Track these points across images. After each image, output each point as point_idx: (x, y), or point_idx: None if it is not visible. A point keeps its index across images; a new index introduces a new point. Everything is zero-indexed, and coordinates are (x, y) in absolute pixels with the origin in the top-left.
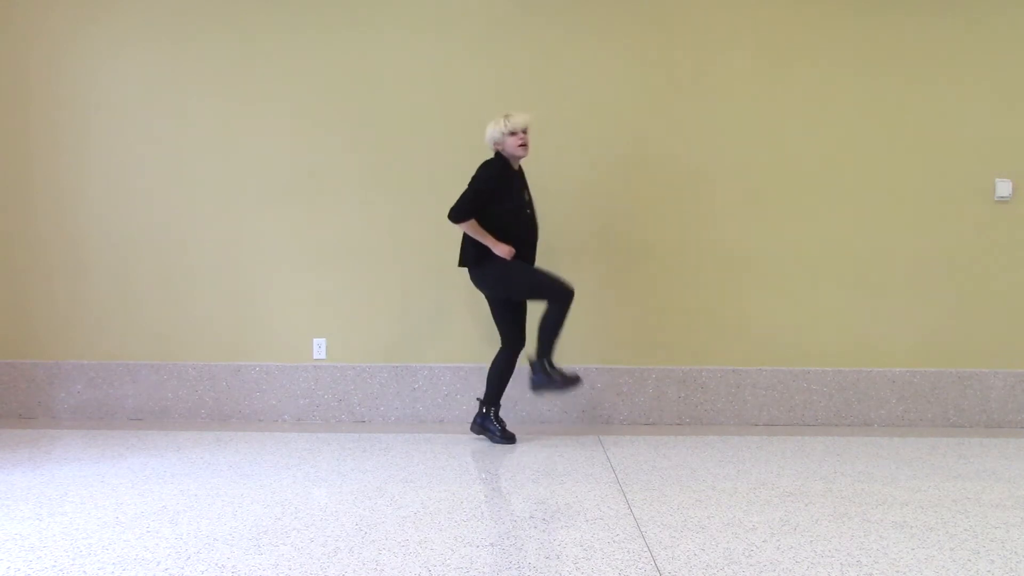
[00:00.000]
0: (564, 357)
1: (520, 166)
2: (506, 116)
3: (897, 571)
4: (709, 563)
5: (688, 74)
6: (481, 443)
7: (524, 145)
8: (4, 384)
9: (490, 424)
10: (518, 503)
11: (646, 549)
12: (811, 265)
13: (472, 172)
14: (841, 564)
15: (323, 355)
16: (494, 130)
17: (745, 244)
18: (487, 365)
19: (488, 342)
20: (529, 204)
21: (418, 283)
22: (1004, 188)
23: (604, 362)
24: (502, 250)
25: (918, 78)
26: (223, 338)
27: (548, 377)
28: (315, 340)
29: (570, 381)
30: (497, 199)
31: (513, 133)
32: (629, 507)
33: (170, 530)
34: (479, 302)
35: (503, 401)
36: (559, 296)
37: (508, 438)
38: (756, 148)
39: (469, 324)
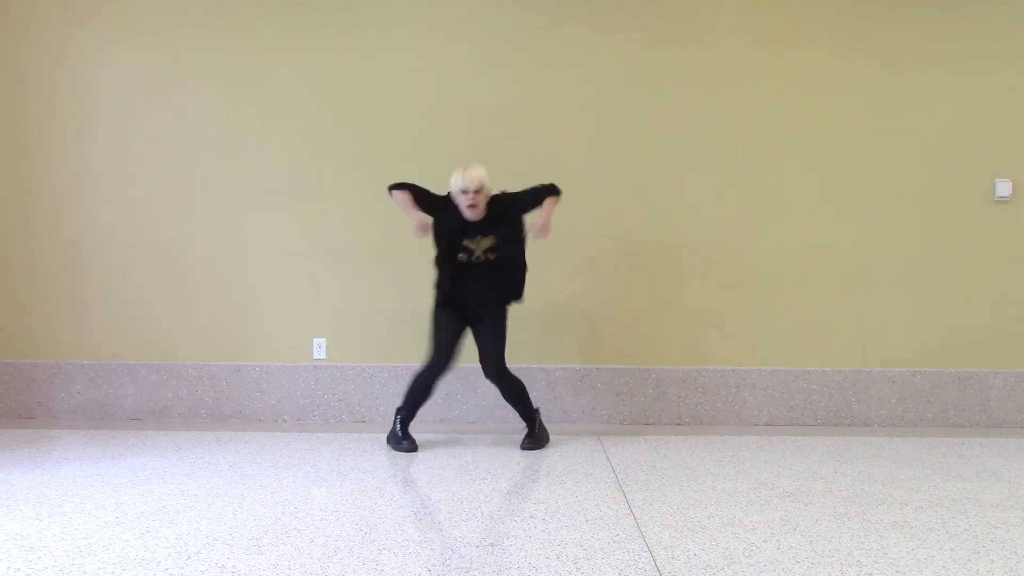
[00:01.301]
0: (566, 356)
1: (492, 214)
2: (458, 173)
3: (897, 571)
4: (709, 563)
5: (690, 74)
6: (481, 443)
7: (473, 206)
8: (4, 384)
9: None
10: (518, 503)
11: (646, 549)
12: (811, 265)
13: None
14: (841, 564)
15: (323, 355)
16: (452, 182)
17: (745, 244)
18: None
19: None
20: (474, 252)
21: (418, 283)
22: (1004, 188)
23: (604, 362)
24: (413, 221)
25: (918, 78)
26: (223, 338)
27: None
28: (315, 340)
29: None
30: (436, 230)
31: (464, 192)
32: (629, 507)
33: (170, 530)
34: None
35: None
36: (427, 360)
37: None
38: (756, 148)
39: None
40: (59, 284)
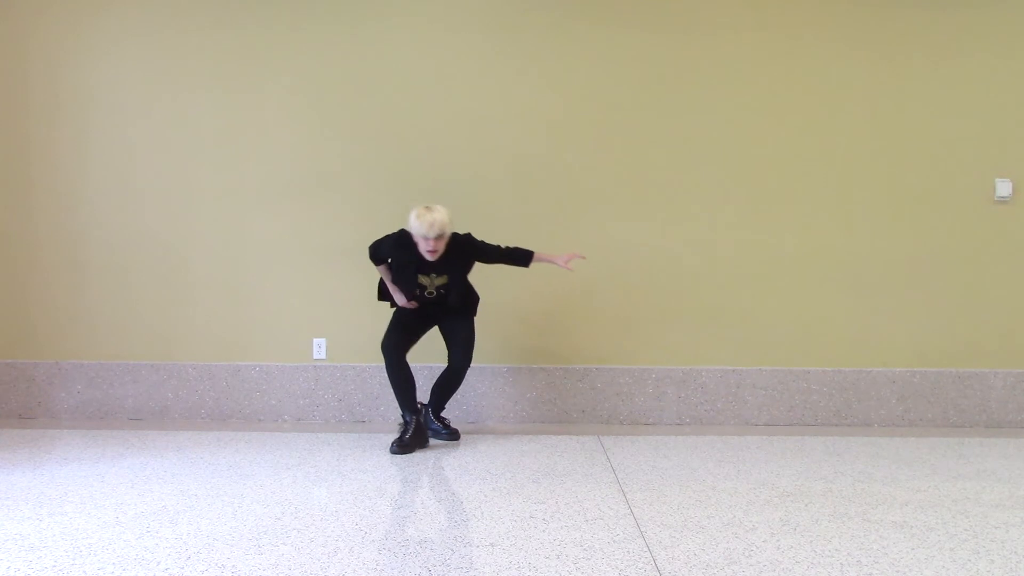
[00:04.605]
0: (567, 356)
1: (449, 254)
2: (419, 216)
3: (897, 571)
4: (709, 563)
5: (690, 72)
6: (481, 443)
7: (432, 252)
8: (4, 384)
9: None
10: (518, 503)
11: (646, 549)
12: (811, 265)
13: (472, 173)
14: (841, 564)
15: (323, 355)
16: (412, 223)
17: (745, 244)
18: (485, 366)
19: (486, 343)
20: (426, 288)
21: None
22: (1004, 188)
23: (604, 362)
24: (399, 299)
25: (919, 77)
26: (223, 338)
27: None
28: (315, 340)
29: (406, 445)
30: (394, 267)
31: (424, 238)
32: (629, 507)
33: (170, 530)
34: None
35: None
36: (384, 345)
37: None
38: (755, 148)
39: None
40: (59, 284)
